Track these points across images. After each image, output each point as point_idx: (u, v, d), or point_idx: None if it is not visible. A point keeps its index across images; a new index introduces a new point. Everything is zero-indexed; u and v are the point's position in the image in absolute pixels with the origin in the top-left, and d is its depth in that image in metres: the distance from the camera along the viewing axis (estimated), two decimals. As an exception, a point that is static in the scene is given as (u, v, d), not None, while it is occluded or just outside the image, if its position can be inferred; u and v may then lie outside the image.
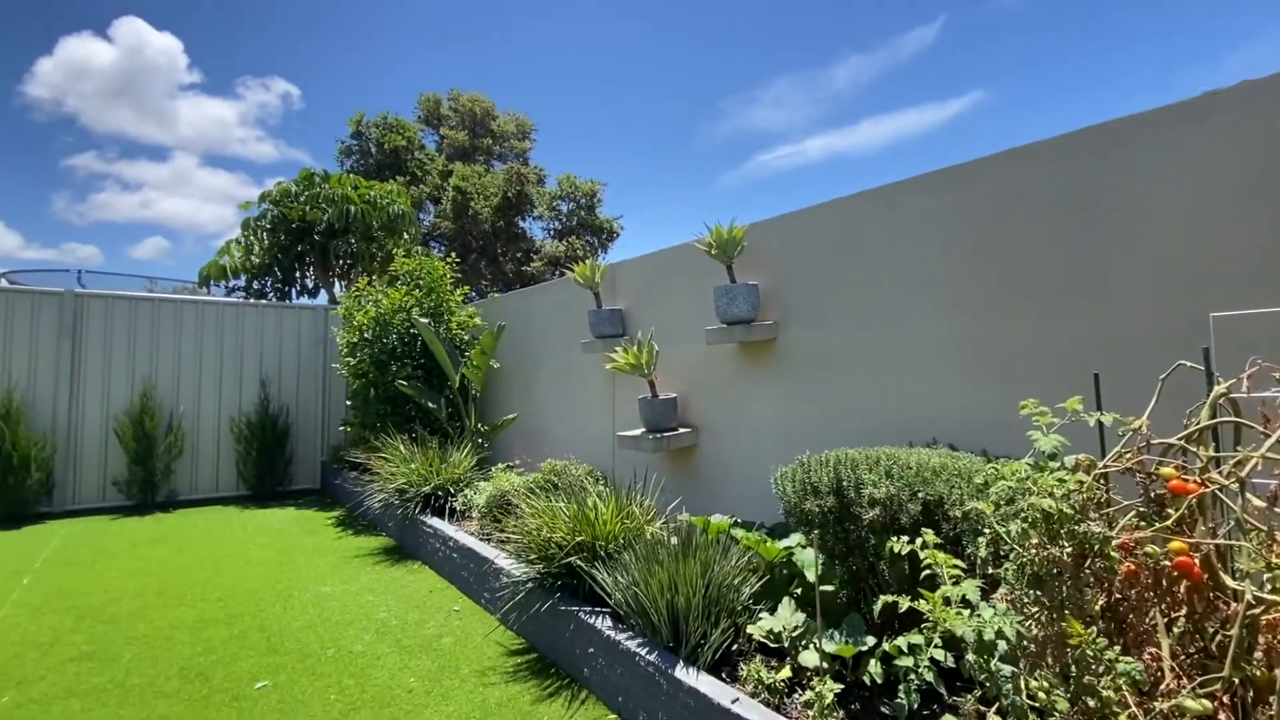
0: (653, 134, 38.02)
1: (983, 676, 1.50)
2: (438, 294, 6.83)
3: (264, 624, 3.50)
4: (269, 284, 9.73)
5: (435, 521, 4.66)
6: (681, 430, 4.12)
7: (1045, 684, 1.39)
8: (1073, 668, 1.36)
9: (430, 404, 6.27)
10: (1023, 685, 1.44)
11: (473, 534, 4.32)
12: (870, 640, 2.11)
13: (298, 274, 9.84)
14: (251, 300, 8.63)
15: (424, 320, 6.27)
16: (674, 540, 2.85)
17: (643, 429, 4.17)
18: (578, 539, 3.10)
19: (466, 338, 6.75)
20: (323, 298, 10.18)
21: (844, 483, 2.28)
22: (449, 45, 33.77)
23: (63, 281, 12.89)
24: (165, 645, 3.22)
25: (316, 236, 9.33)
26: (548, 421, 5.93)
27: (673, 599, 2.49)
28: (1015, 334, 2.64)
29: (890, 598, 1.88)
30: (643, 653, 2.43)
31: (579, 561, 3.01)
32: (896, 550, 1.84)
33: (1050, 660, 1.40)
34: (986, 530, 1.61)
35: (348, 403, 7.16)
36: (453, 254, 8.47)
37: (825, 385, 3.39)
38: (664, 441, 3.98)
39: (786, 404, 3.59)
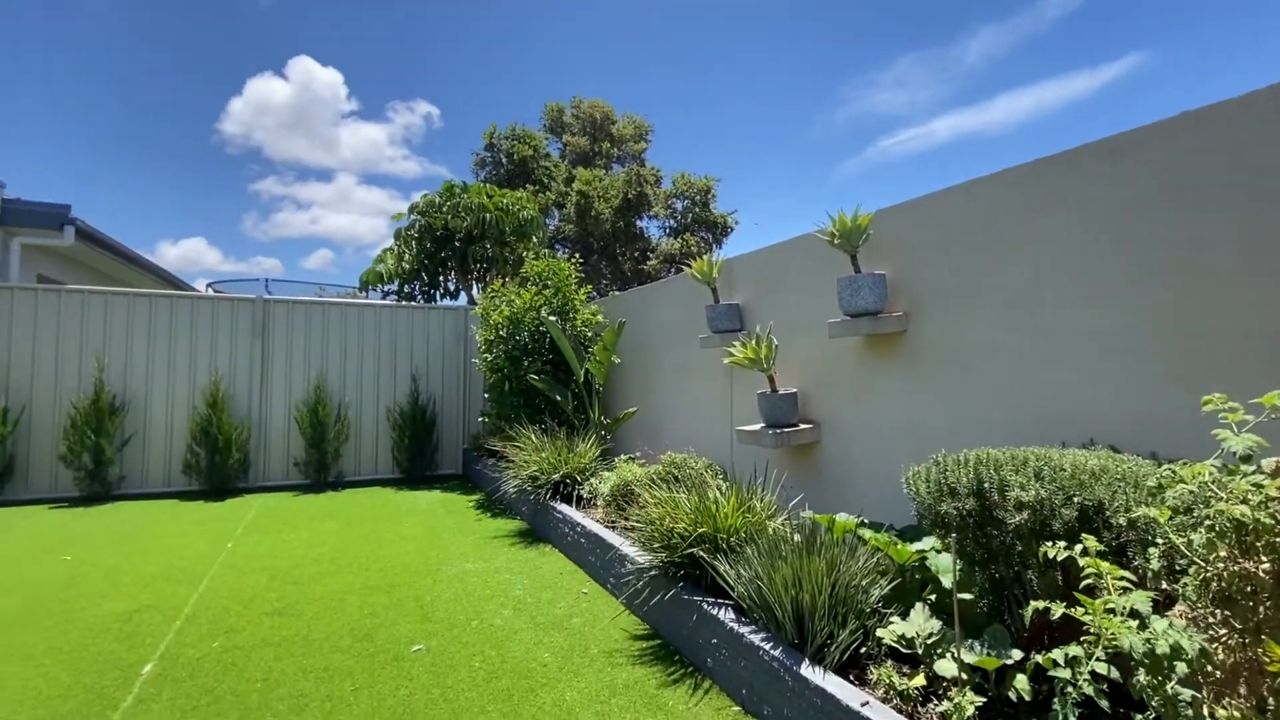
0: (767, 127, 37.11)
1: (1156, 700, 1.33)
2: (564, 293, 7.10)
3: (418, 594, 3.82)
4: (417, 287, 10.56)
5: (564, 508, 4.86)
6: (803, 426, 4.00)
7: (1237, 713, 1.21)
8: (1270, 700, 1.17)
9: (558, 397, 6.54)
10: (1206, 714, 1.27)
11: (598, 521, 4.46)
12: (1016, 654, 1.95)
13: (441, 278, 10.60)
14: (402, 302, 9.42)
15: (552, 318, 6.54)
16: (797, 537, 2.78)
17: (762, 424, 4.09)
18: (699, 530, 3.11)
19: (590, 334, 6.97)
20: (462, 299, 10.91)
21: (985, 484, 2.11)
22: (576, 54, 34.90)
23: (253, 289, 14.74)
24: (339, 607, 3.61)
25: (457, 243, 10.01)
26: (666, 415, 5.99)
27: (797, 596, 2.43)
28: (1190, 323, 2.31)
29: (1041, 604, 1.71)
30: (767, 647, 2.39)
31: (701, 553, 3.02)
32: (1051, 556, 1.68)
33: (1243, 689, 1.22)
34: (1159, 540, 1.43)
35: (485, 395, 7.63)
36: (576, 255, 8.78)
37: (961, 380, 3.15)
38: (784, 437, 3.89)
39: (917, 400, 3.38)
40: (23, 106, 34.18)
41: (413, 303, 9.70)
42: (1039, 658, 1.72)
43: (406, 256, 10.20)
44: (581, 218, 20.43)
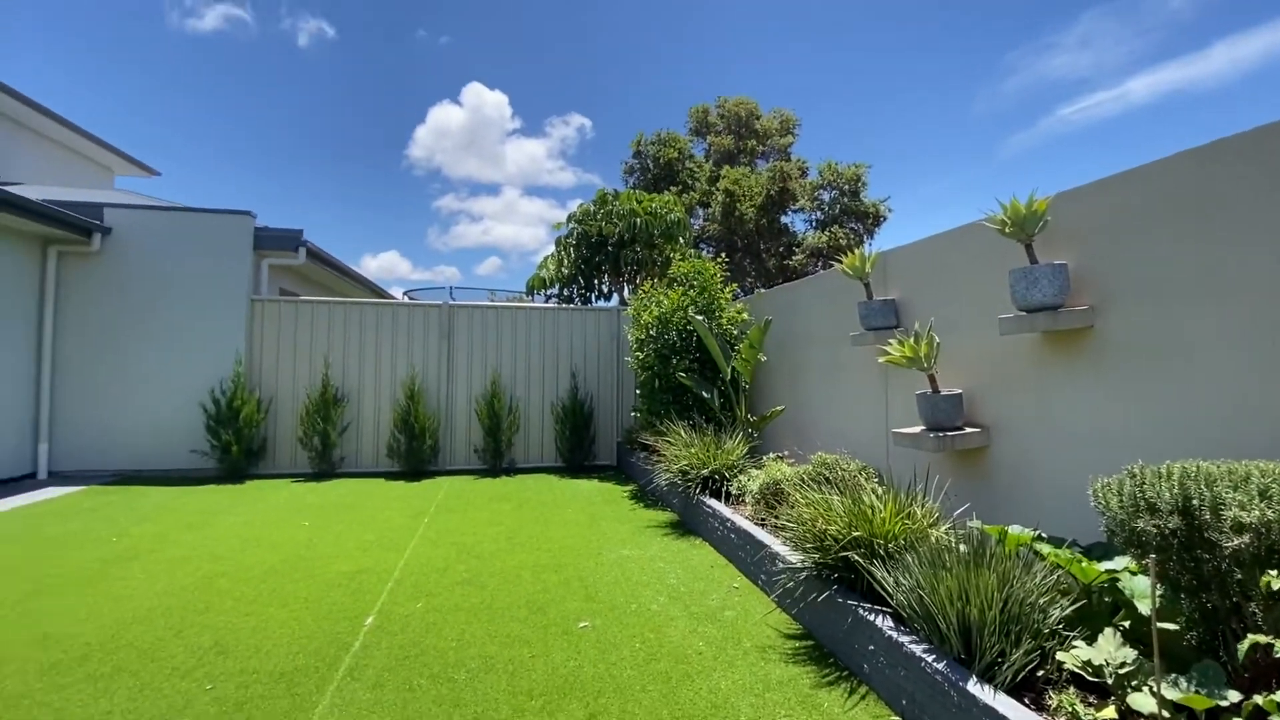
0: (925, 104, 34.36)
1: None
2: (710, 292, 7.17)
3: (582, 575, 4.10)
4: (575, 291, 11.19)
5: (713, 503, 4.94)
6: (969, 430, 3.73)
7: None
8: None
9: (705, 394, 6.63)
10: None
11: (748, 518, 4.48)
12: (1233, 695, 1.70)
13: (596, 281, 11.14)
14: (562, 305, 10.02)
15: (699, 317, 6.63)
16: (962, 548, 2.61)
17: (921, 426, 3.87)
18: (854, 534, 3.03)
19: (736, 332, 6.97)
20: (615, 300, 11.38)
21: (1194, 501, 1.86)
22: (720, 55, 34.80)
23: (440, 296, 16.49)
24: (515, 581, 3.97)
25: (610, 248, 10.46)
26: (815, 414, 5.83)
27: (963, 609, 2.29)
28: None
29: (1264, 639, 1.49)
30: (929, 659, 2.29)
31: (856, 557, 2.94)
32: (1277, 589, 1.45)
33: None
34: None
35: (636, 392, 7.91)
36: (722, 254, 8.79)
37: (1162, 383, 2.77)
38: (947, 441, 3.65)
39: (1105, 403, 3.02)
40: (264, 144, 40.88)
41: (571, 305, 10.30)
42: (1261, 699, 1.49)
43: (565, 262, 10.84)
44: (726, 216, 20.34)
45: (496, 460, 8.38)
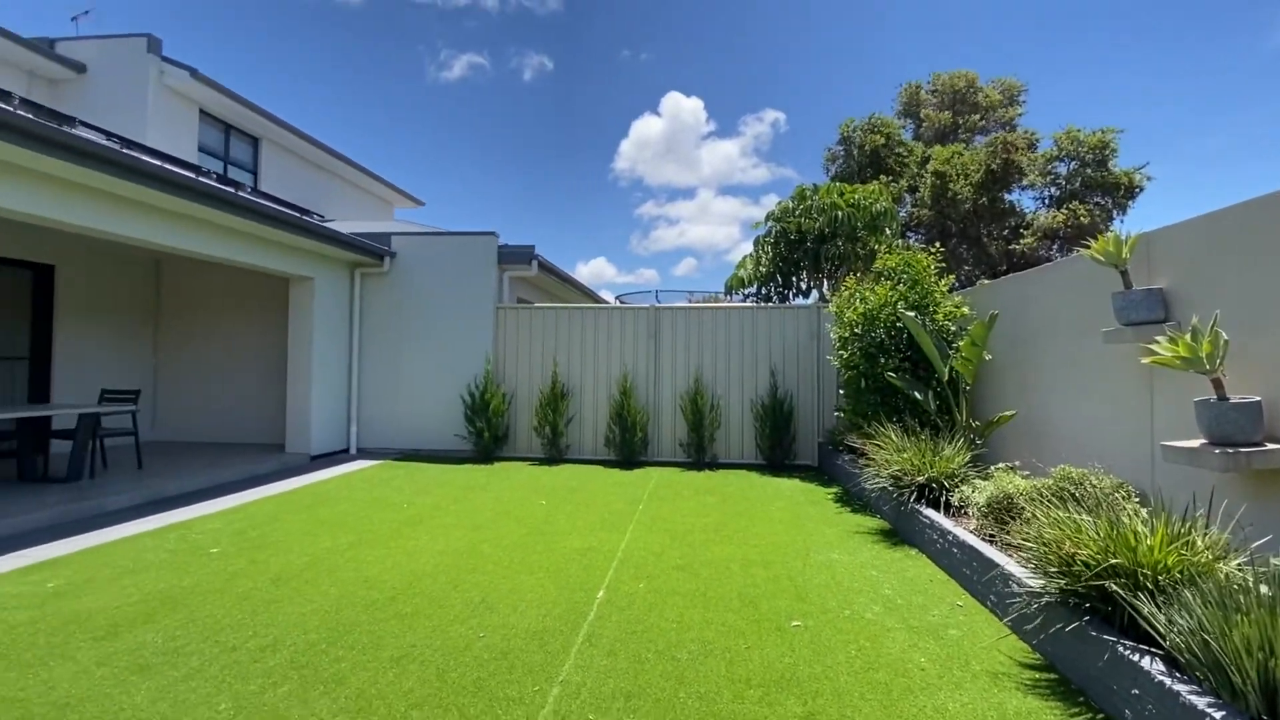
0: (1189, 52, 27.76)
1: None
2: (921, 286, 6.66)
3: (790, 574, 4.11)
4: (772, 289, 11.09)
5: (931, 513, 4.61)
6: (1271, 447, 3.03)
7: None
8: None
9: (918, 395, 6.17)
10: None
11: (972, 532, 4.11)
12: None
13: (794, 278, 10.92)
14: (760, 304, 10.00)
15: (910, 314, 6.19)
16: (1264, 589, 2.16)
17: (1202, 440, 3.23)
18: (1111, 561, 2.65)
19: (954, 329, 6.38)
20: (813, 297, 11.05)
21: None
22: (933, 32, 31.75)
23: (646, 300, 17.40)
24: (725, 573, 4.13)
25: (809, 244, 10.19)
26: (1054, 422, 5.13)
27: (1266, 663, 1.91)
28: None
29: None
30: (1217, 716, 1.94)
31: (1115, 587, 2.57)
32: None
33: None
34: None
35: (840, 391, 7.63)
36: (936, 244, 8.08)
37: None
38: (1240, 459, 3.00)
39: None
40: (495, 168, 46.38)
41: (769, 303, 10.23)
42: None
43: (763, 261, 10.79)
44: (937, 200, 18.53)
45: (699, 455, 8.66)
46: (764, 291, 10.92)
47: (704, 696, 2.60)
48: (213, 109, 11.23)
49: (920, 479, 5.05)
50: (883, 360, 6.66)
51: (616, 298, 18.31)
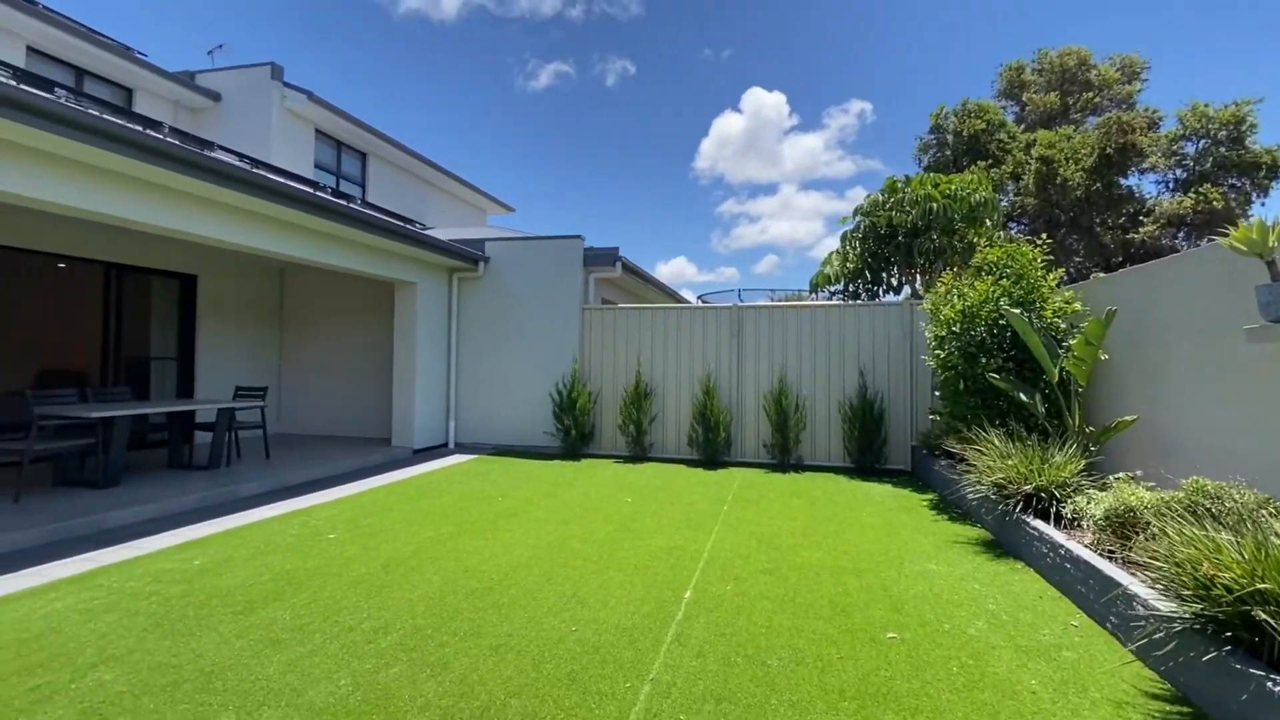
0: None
1: None
2: (1027, 281, 6.21)
3: (884, 583, 3.95)
4: (860, 286, 10.67)
5: (1039, 524, 4.28)
6: None
7: None
8: None
9: (1023, 398, 5.75)
10: None
11: (1088, 547, 3.79)
12: None
13: (884, 274, 10.46)
14: (848, 302, 9.65)
15: (1014, 311, 5.77)
16: None
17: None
18: (1259, 586, 2.37)
19: (1064, 326, 5.90)
20: (905, 293, 10.54)
21: None
22: (1033, 12, 29.48)
23: (729, 299, 17.26)
24: (815, 579, 4.02)
25: (900, 238, 9.72)
26: (1184, 428, 4.63)
27: None
28: None
29: None
30: (1400, 773, 1.69)
31: (1263, 615, 2.30)
32: None
33: None
34: None
35: (935, 393, 7.24)
36: (1042, 235, 7.50)
37: None
38: None
39: None
40: (579, 172, 47.32)
41: (857, 301, 9.85)
42: None
43: (850, 257, 10.40)
44: (1043, 187, 17.19)
45: (784, 456, 8.48)
46: (852, 289, 10.53)
47: (796, 705, 2.55)
48: (326, 128, 12.15)
49: (1027, 488, 4.71)
50: (983, 360, 6.25)
51: (698, 297, 18.24)
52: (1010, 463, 4.99)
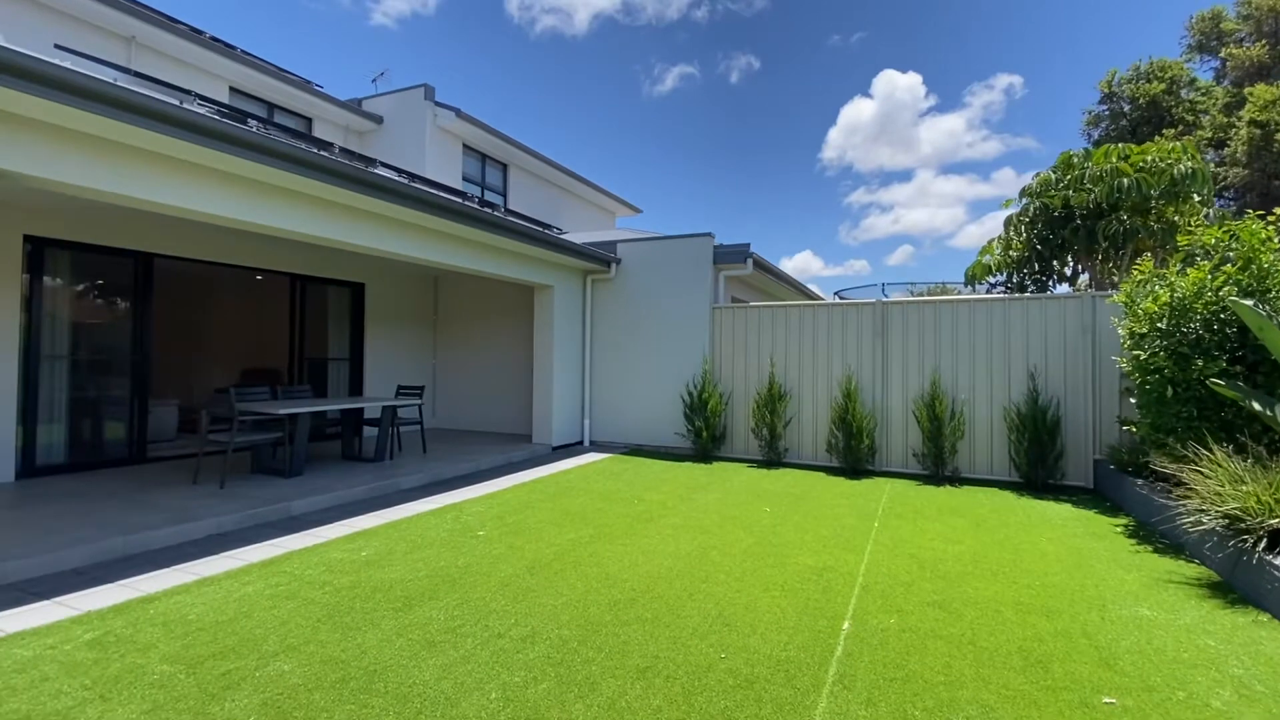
0: None
1: None
2: (1258, 266, 5.05)
3: (1085, 629, 3.31)
4: (1027, 276, 9.42)
5: (1303, 571, 3.38)
6: None
7: None
8: None
9: (1258, 407, 4.64)
10: None
11: (1388, 608, 2.90)
12: None
13: (1055, 262, 9.15)
14: (1014, 294, 8.53)
15: (1245, 302, 4.68)
16: None
17: None
18: None
19: (1316, 321, 4.69)
20: (1082, 282, 9.15)
21: None
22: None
23: (870, 294, 16.18)
24: (996, 618, 3.46)
25: (1079, 220, 8.42)
26: None
27: None
28: None
29: None
30: None
31: None
32: None
33: None
34: None
35: (1132, 400, 6.14)
36: (1256, 212, 6.07)
37: None
38: None
39: None
40: (703, 170, 47.01)
41: (1025, 293, 8.69)
42: None
43: (1015, 243, 9.20)
44: (1256, 155, 14.26)
45: (937, 467, 7.65)
46: (1017, 279, 9.32)
47: (997, 783, 2.12)
48: (472, 142, 12.88)
49: (1273, 522, 3.77)
50: (1199, 362, 5.17)
51: (835, 294, 17.20)
52: (1248, 489, 4.04)
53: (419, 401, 8.13)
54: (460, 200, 6.79)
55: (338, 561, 4.19)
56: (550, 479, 7.21)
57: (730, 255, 9.31)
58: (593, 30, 36.85)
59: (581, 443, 9.83)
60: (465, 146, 12.78)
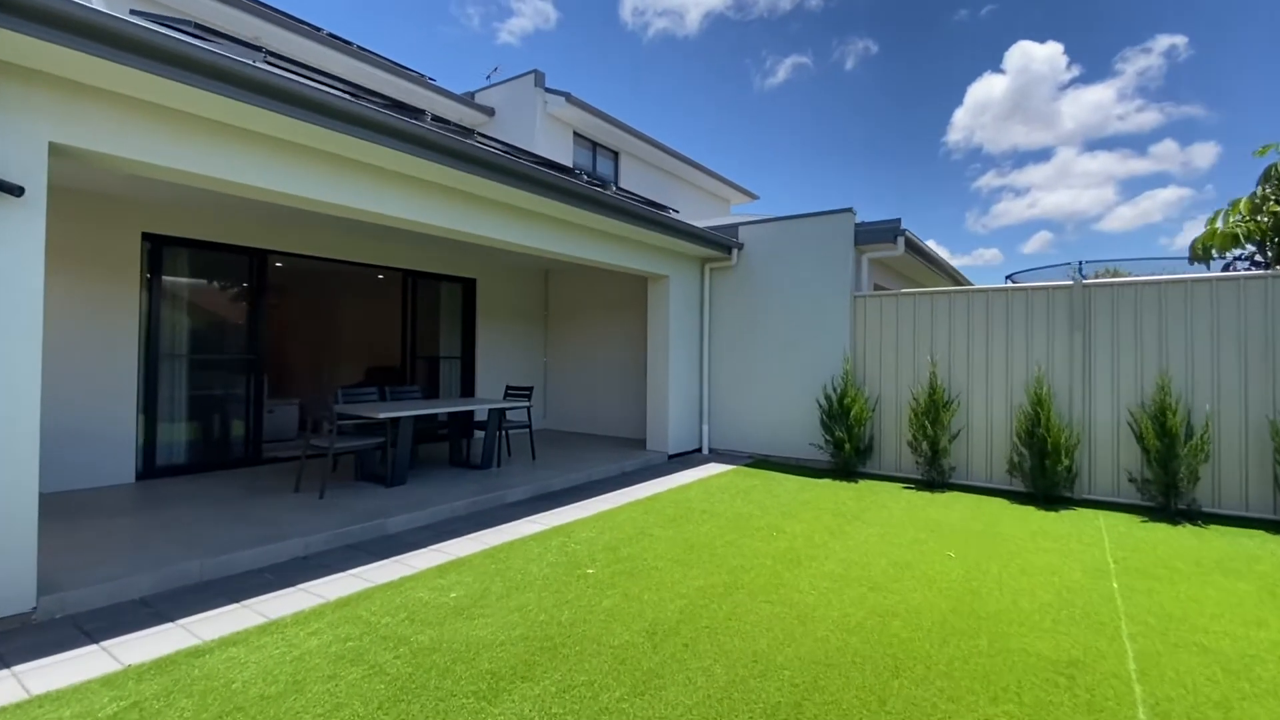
0: None
1: None
2: None
3: None
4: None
5: None
6: None
7: None
8: None
9: None
10: None
11: None
12: None
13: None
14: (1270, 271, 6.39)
15: None
16: None
17: None
18: None
19: None
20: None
21: None
22: None
23: (1054, 276, 13.79)
24: None
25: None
26: None
27: None
28: None
29: None
30: None
31: None
32: None
33: None
34: None
35: None
36: None
37: None
38: None
39: None
40: (821, 157, 44.34)
41: (1293, 270, 6.49)
42: None
43: (1273, 202, 6.94)
44: None
45: (1167, 498, 5.80)
46: (1273, 249, 7.06)
47: None
48: (583, 129, 12.23)
49: None
50: None
51: (1007, 277, 14.81)
52: None
53: (527, 404, 7.48)
54: (571, 178, 5.98)
55: (422, 605, 3.45)
56: (668, 496, 6.24)
57: (875, 234, 7.84)
58: (704, 29, 35.76)
59: (700, 450, 8.79)
60: (576, 135, 12.14)
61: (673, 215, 7.69)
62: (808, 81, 39.65)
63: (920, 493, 6.54)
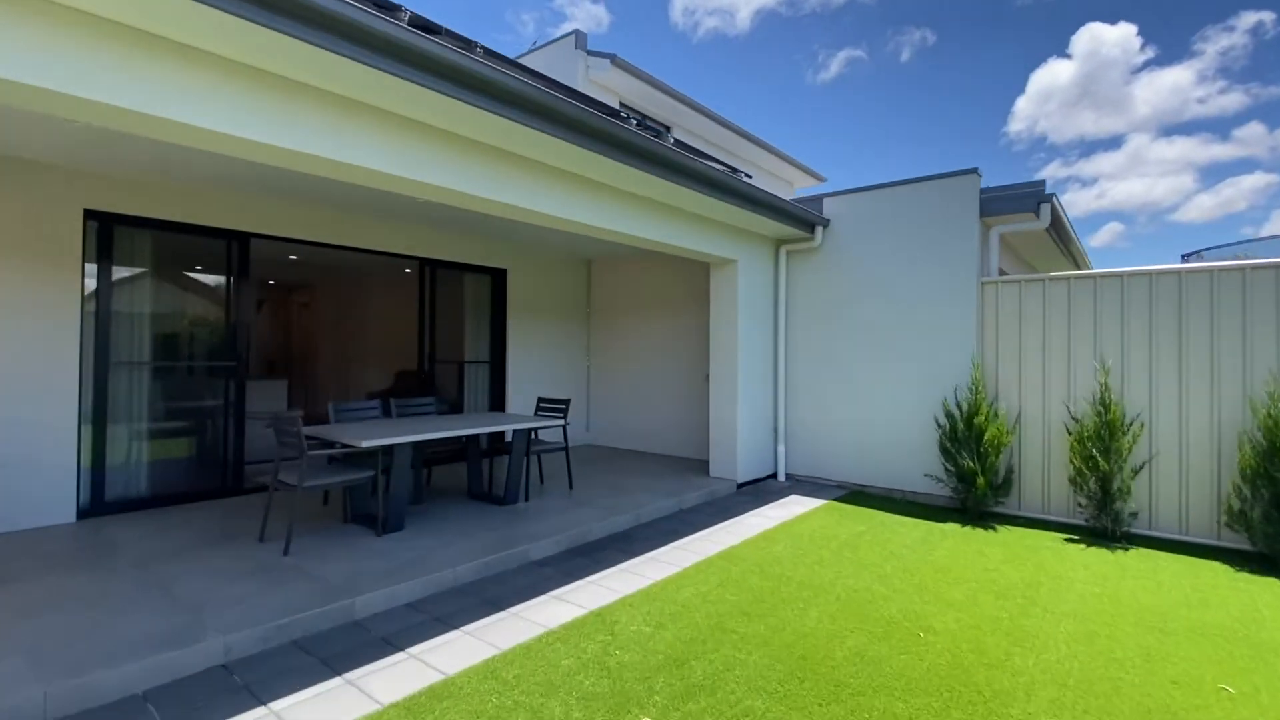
0: None
1: None
2: None
3: None
4: None
5: None
6: None
7: None
8: None
9: None
10: None
11: None
12: None
13: None
14: None
15: None
16: None
17: None
18: None
19: None
20: None
21: None
22: None
23: (1225, 255, 11.51)
24: None
25: None
26: None
27: None
28: None
29: None
30: None
31: None
32: None
33: None
34: None
35: None
36: None
37: None
38: None
39: None
40: (876, 151, 41.49)
41: None
42: None
43: None
44: None
45: None
46: None
47: None
48: (629, 98, 10.75)
49: None
50: None
51: (1183, 256, 12.47)
52: None
53: (562, 421, 6.04)
54: (626, 126, 4.47)
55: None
56: (748, 553, 4.67)
57: (1010, 201, 6.04)
58: (755, 26, 33.84)
59: (775, 476, 7.17)
60: (622, 105, 10.67)
61: (745, 181, 6.10)
62: (861, 75, 37.26)
63: (1093, 549, 4.77)
